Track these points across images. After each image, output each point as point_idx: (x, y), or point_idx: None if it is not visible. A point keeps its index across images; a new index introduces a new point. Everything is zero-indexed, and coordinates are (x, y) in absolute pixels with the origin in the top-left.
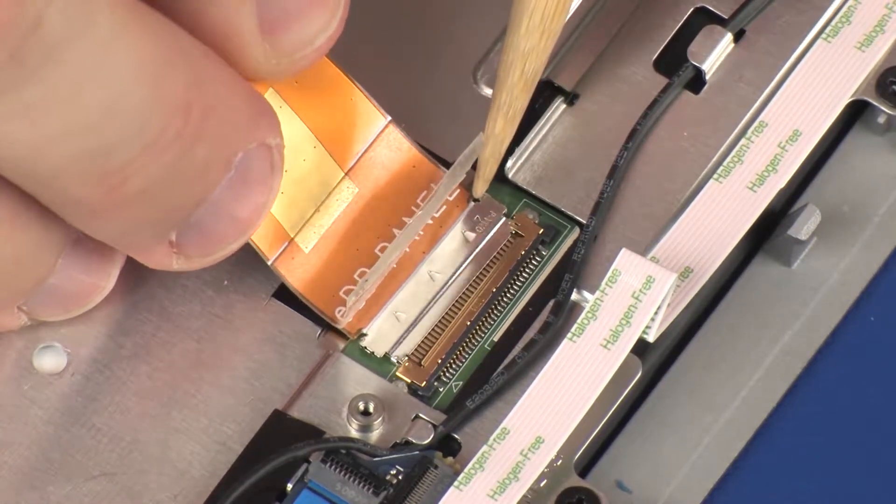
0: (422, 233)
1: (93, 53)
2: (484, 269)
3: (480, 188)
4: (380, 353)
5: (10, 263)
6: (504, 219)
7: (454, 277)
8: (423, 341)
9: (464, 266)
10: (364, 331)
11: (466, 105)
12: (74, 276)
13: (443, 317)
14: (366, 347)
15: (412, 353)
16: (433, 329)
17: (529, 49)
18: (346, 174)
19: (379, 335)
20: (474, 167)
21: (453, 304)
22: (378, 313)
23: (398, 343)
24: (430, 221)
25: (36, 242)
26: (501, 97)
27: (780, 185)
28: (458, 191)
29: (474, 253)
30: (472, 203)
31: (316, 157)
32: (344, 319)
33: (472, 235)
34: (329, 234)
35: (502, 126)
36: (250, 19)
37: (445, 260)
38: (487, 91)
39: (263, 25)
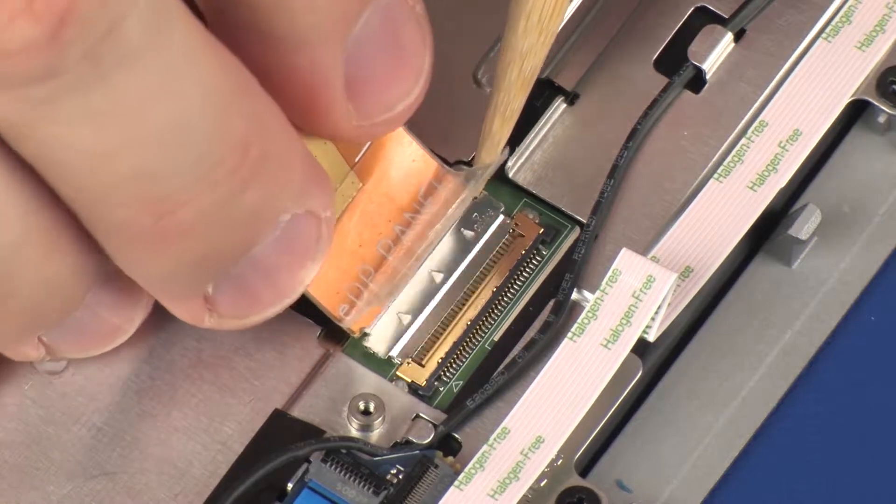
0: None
1: (166, 67)
2: (484, 268)
3: (478, 187)
4: (382, 353)
5: (41, 289)
6: (502, 216)
7: (454, 276)
8: (415, 334)
9: (464, 264)
10: (367, 331)
11: (467, 105)
12: (100, 314)
13: (443, 316)
14: (368, 348)
15: (413, 353)
16: (434, 329)
17: (527, 49)
18: (352, 169)
19: (381, 335)
20: (470, 165)
21: (454, 304)
22: (380, 313)
23: (400, 343)
24: (428, 218)
25: (69, 271)
26: (499, 97)
27: (780, 185)
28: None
29: (474, 251)
30: (470, 201)
31: (327, 154)
32: (347, 318)
33: (470, 234)
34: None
35: (500, 125)
36: (338, 75)
37: (445, 259)
38: (488, 91)
39: (349, 84)
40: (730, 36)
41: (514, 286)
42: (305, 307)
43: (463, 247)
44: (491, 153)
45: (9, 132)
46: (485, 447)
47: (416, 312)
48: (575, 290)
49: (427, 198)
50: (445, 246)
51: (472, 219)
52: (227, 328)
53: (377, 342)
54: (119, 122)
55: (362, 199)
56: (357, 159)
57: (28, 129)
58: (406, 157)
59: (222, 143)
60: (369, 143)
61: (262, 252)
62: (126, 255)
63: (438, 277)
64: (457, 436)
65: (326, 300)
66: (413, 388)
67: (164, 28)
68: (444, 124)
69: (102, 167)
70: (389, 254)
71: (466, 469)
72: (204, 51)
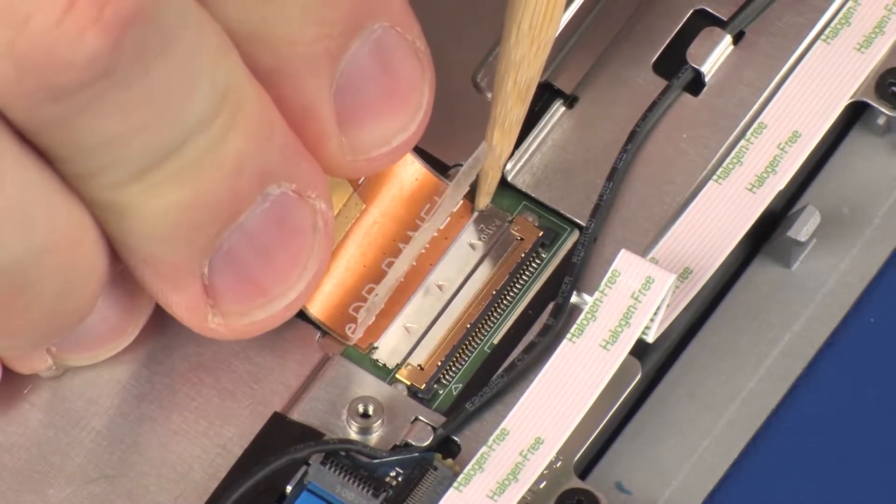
0: (427, 245)
1: (189, 45)
2: (484, 271)
3: (483, 201)
4: (391, 364)
5: (63, 294)
6: (508, 227)
7: (462, 288)
8: (423, 344)
9: (471, 276)
10: (375, 344)
11: (466, 109)
12: (108, 316)
13: (443, 319)
14: (377, 360)
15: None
16: (434, 332)
17: (520, 58)
18: (356, 191)
19: (390, 348)
20: (477, 178)
21: (453, 307)
22: (388, 326)
23: (409, 354)
24: (436, 234)
25: (89, 272)
26: (497, 108)
27: (779, 187)
28: (462, 202)
29: (481, 262)
30: (476, 213)
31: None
32: (355, 336)
33: (477, 245)
34: (337, 252)
35: (499, 137)
36: (326, 108)
37: (452, 271)
38: (487, 95)
39: (341, 117)
40: (729, 38)
41: (514, 289)
42: (305, 311)
43: (469, 257)
44: (493, 166)
45: (35, 128)
46: (484, 448)
47: (425, 324)
48: (574, 293)
49: (430, 213)
50: (452, 257)
51: (477, 230)
52: (233, 334)
53: (385, 354)
54: (146, 104)
55: (366, 220)
56: (360, 181)
57: (60, 124)
58: (409, 177)
59: (210, 92)
60: None
61: (251, 223)
62: (128, 216)
63: (446, 288)
64: (456, 438)
65: (333, 321)
66: (412, 391)
67: (186, 8)
68: (442, 128)
69: (118, 148)
70: None
71: (465, 470)
72: (204, 19)
